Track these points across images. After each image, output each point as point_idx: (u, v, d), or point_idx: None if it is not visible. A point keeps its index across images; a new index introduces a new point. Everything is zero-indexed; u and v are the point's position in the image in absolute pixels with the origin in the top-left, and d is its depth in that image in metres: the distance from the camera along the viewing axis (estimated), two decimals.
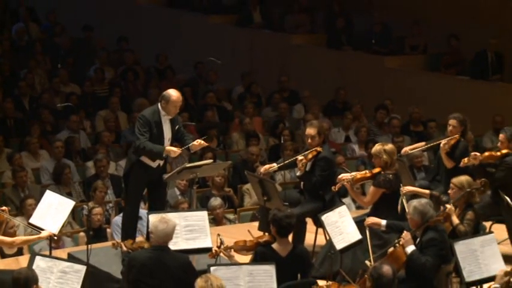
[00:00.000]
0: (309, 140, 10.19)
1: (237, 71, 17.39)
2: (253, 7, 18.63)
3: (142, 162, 9.58)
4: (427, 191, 10.05)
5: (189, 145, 9.66)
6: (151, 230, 8.04)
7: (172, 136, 9.70)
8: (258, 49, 18.27)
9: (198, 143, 9.67)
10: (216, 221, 11.62)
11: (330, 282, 8.45)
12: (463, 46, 16.70)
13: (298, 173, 10.23)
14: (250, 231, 8.89)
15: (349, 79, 16.93)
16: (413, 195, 10.21)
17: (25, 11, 19.02)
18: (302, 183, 10.35)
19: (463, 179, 9.28)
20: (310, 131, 10.20)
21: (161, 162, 9.68)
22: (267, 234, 8.57)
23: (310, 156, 10.11)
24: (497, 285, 7.56)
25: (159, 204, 9.73)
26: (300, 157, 10.11)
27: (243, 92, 16.81)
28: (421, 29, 17.41)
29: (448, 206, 8.99)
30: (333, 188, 9.78)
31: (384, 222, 9.12)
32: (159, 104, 9.60)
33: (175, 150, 9.49)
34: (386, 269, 7.33)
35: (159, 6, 19.78)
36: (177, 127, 9.71)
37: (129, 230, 9.66)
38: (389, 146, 9.78)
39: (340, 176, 9.78)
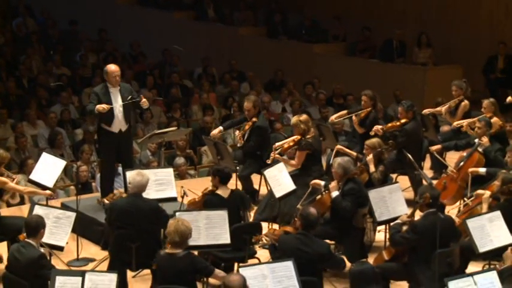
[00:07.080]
0: (246, 112, 10.11)
1: (196, 56, 17.28)
2: (207, 5, 18.49)
3: (104, 128, 9.23)
4: (355, 153, 9.95)
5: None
6: (129, 181, 7.94)
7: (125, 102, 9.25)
8: (212, 39, 18.16)
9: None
10: (180, 176, 11.55)
11: (271, 225, 8.45)
12: (374, 36, 16.78)
13: (238, 145, 10.14)
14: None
15: (285, 62, 16.91)
16: (338, 153, 10.26)
17: (23, 8, 18.72)
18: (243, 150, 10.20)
19: (374, 140, 9.33)
20: (247, 105, 10.09)
21: (122, 128, 9.27)
22: (209, 187, 8.36)
23: (246, 127, 10.03)
24: (399, 221, 7.65)
25: (125, 164, 9.36)
26: (237, 132, 9.99)
27: (201, 72, 16.72)
28: (341, 23, 17.44)
29: (368, 157, 9.05)
30: (267, 161, 9.52)
31: None
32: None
33: (101, 108, 9.01)
34: (313, 210, 7.32)
35: (133, 5, 19.62)
36: (130, 97, 9.23)
37: (105, 188, 9.45)
38: (303, 117, 9.56)
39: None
